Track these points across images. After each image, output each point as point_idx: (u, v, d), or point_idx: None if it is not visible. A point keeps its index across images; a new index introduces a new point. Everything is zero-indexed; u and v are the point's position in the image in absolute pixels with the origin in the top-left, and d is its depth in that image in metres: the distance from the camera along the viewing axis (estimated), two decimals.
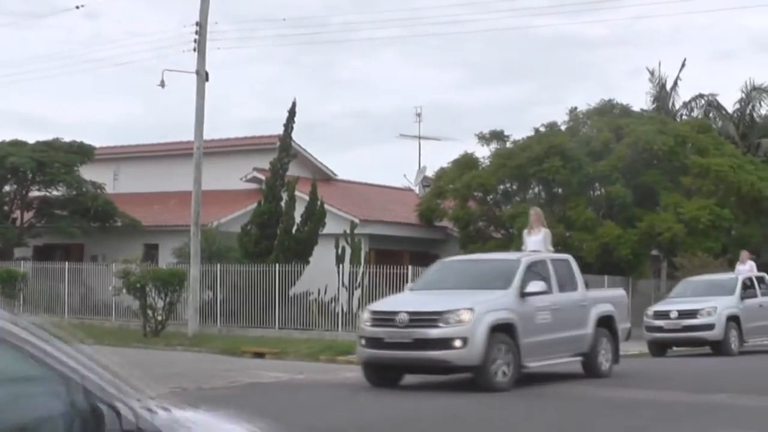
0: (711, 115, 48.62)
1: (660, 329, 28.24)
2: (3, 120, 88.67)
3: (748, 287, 29.01)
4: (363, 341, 17.49)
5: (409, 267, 30.88)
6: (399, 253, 37.92)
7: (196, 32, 31.34)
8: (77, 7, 36.12)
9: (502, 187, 39.78)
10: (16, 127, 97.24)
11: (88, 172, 40.79)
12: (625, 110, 41.85)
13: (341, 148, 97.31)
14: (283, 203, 33.55)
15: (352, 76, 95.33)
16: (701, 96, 49.38)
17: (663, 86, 49.35)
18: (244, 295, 32.92)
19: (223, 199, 38.74)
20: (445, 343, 16.44)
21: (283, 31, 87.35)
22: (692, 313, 27.85)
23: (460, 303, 16.88)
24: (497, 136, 40.60)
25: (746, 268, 30.96)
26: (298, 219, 33.57)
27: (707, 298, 28.36)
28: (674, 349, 29.06)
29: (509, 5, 75.81)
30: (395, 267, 31.25)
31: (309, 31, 78.70)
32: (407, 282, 30.20)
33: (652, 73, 48.91)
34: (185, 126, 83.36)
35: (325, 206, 34.19)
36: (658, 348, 28.48)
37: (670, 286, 40.46)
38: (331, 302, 32.74)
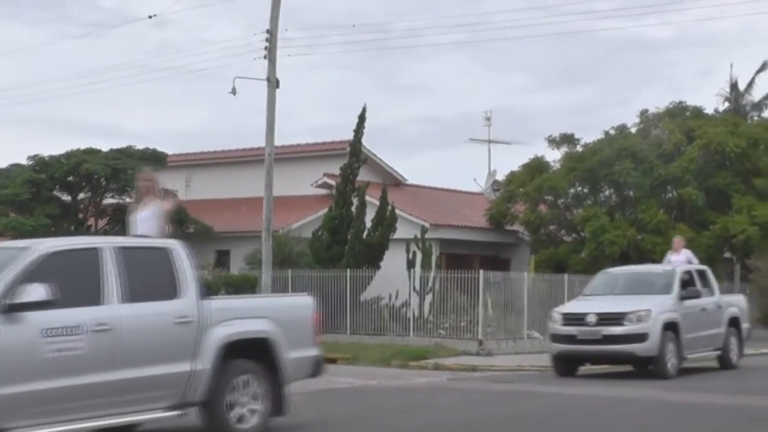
0: None
1: (571, 339, 20.85)
2: (77, 129, 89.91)
3: (686, 284, 22.08)
4: None
5: (480, 271, 30.78)
6: (470, 258, 37.85)
7: (267, 40, 31.48)
8: (150, 17, 36.55)
9: (572, 190, 39.60)
10: (89, 135, 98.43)
11: (160, 179, 41.06)
12: (697, 112, 41.44)
13: (410, 153, 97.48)
14: (353, 208, 33.65)
15: (418, 81, 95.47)
16: None
17: (734, 87, 48.79)
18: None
19: (293, 204, 38.94)
20: None
21: (349, 38, 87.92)
22: (617, 318, 20.69)
23: None
24: (567, 139, 40.44)
25: (681, 258, 23.92)
26: (368, 224, 33.65)
27: (637, 298, 21.30)
28: (587, 366, 22.16)
29: (574, 9, 75.39)
30: (466, 271, 31.17)
31: (375, 37, 79.09)
32: (479, 286, 30.24)
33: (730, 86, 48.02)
34: (256, 132, 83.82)
35: (396, 211, 34.22)
36: (567, 364, 21.32)
37: (744, 289, 40.04)
38: (403, 307, 32.74)
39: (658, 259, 36.30)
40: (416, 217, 37.02)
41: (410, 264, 32.98)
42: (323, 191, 39.69)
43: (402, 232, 34.12)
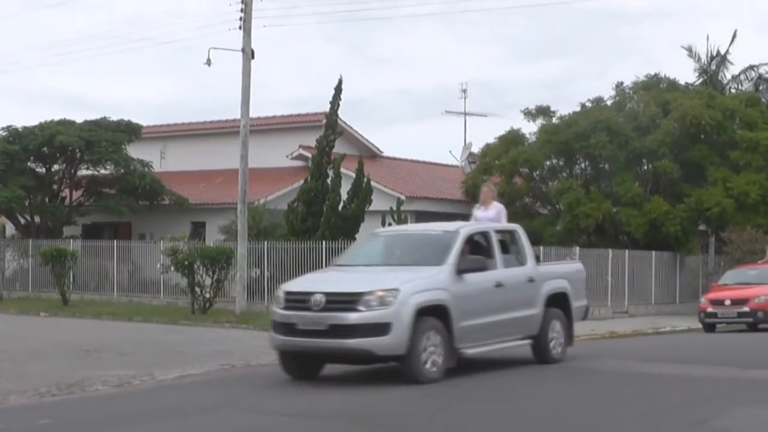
0: (761, 88, 47.96)
1: (290, 329, 14.40)
2: (51, 100, 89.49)
3: (479, 249, 15.76)
4: None
5: None
6: None
7: (242, 10, 31.37)
8: None
9: (548, 163, 39.61)
10: (63, 106, 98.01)
11: (135, 151, 41.03)
12: (672, 84, 41.47)
13: (386, 125, 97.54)
14: (329, 180, 33.57)
15: (395, 53, 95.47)
16: (751, 68, 48.71)
17: (712, 59, 48.78)
18: (291, 273, 32.94)
19: (269, 176, 38.84)
20: None
21: (324, 8, 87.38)
22: (350, 301, 14.06)
23: None
24: (543, 111, 40.44)
25: (489, 214, 17.56)
26: (344, 196, 33.59)
27: (389, 271, 15.17)
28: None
29: None
30: None
31: (350, 8, 78.74)
32: None
33: (690, 50, 47.91)
34: (231, 104, 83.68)
35: (372, 183, 34.16)
36: (299, 362, 14.95)
37: (719, 262, 40.16)
38: None
39: (632, 231, 36.55)
40: (392, 189, 37.00)
41: None
42: (299, 163, 39.59)
43: (378, 204, 34.09)
